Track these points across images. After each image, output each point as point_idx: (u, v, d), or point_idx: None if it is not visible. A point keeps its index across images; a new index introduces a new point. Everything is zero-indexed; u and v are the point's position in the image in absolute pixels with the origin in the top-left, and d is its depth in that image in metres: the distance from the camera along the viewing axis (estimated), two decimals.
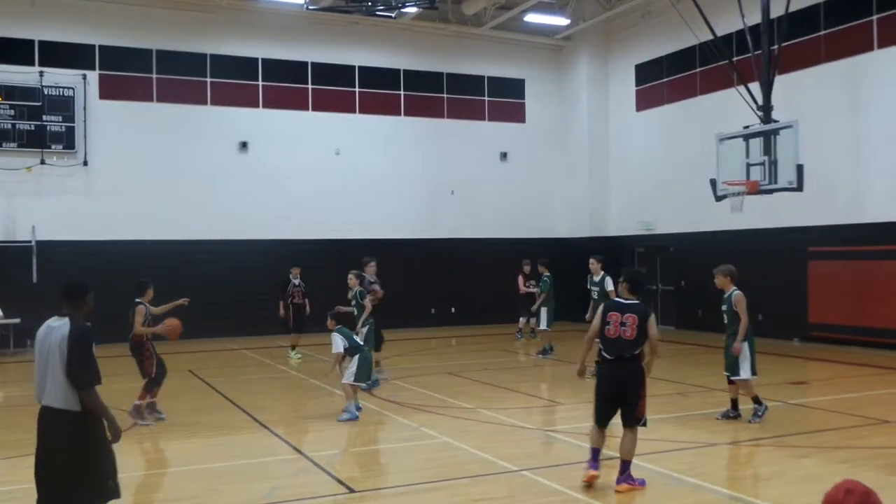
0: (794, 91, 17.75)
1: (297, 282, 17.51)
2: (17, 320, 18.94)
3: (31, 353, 17.55)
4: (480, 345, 19.55)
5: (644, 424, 7.44)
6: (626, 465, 7.30)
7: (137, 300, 10.60)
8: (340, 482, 7.56)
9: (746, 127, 15.91)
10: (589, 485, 7.26)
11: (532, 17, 23.72)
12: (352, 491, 7.29)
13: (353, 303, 13.53)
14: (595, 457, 7.37)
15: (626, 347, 7.24)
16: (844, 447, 8.73)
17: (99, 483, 5.18)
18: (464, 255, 23.97)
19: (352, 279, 13.76)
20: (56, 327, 5.21)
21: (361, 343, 11.70)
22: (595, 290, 14.03)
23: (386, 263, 22.90)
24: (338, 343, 10.75)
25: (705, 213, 19.59)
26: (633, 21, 24.06)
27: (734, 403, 10.25)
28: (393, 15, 23.02)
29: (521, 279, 20.28)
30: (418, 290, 23.02)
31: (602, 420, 7.46)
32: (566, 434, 9.65)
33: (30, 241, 19.76)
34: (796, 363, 15.92)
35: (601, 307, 7.68)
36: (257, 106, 22.56)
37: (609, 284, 13.80)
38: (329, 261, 22.53)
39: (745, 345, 9.98)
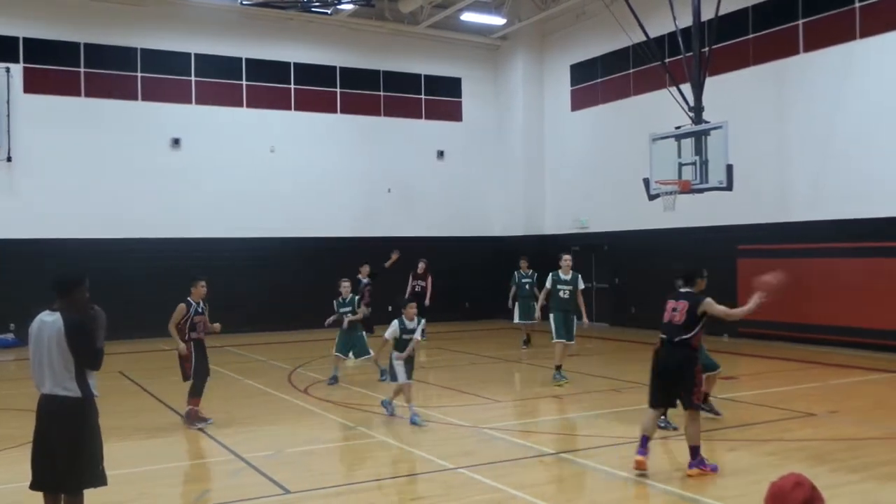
0: (723, 92, 18.15)
1: (366, 281, 16.88)
2: None
3: None
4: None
5: (698, 409, 7.73)
6: (693, 451, 7.56)
7: (188, 298, 10.34)
8: (276, 483, 7.46)
9: (678, 127, 16.24)
10: (640, 472, 7.47)
11: (468, 17, 23.79)
12: (287, 492, 7.21)
13: (350, 308, 13.47)
14: (644, 443, 7.60)
15: (675, 331, 7.67)
16: (772, 440, 8.97)
17: (93, 466, 5.50)
18: (401, 253, 23.92)
19: (346, 287, 13.60)
20: (49, 322, 5.41)
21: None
22: (567, 288, 13.20)
23: (322, 262, 22.85)
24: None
25: (639, 211, 19.92)
26: (568, 22, 24.34)
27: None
28: (329, 11, 22.86)
29: (411, 278, 19.51)
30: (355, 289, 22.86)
31: (655, 403, 7.83)
32: (502, 431, 9.70)
33: None
34: (726, 359, 16.15)
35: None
36: (190, 102, 22.13)
37: (581, 283, 13.38)
38: (264, 259, 22.33)
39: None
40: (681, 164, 15.87)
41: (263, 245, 22.40)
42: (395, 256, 18.61)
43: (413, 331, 10.22)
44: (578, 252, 24.19)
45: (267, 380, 13.99)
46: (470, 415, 10.80)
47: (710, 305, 7.73)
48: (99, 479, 5.56)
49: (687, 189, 15.70)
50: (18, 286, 18.34)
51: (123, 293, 18.85)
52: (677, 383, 7.66)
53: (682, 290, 7.99)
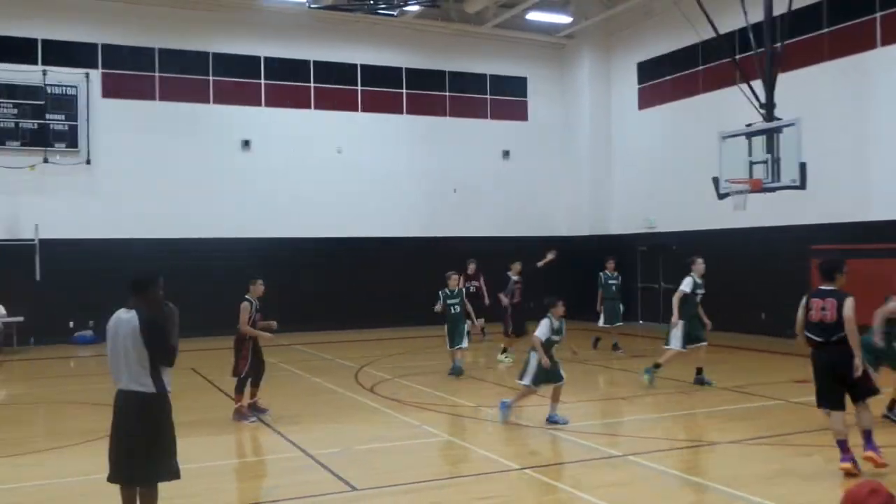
0: (796, 89, 17.68)
1: (516, 278, 16.64)
2: (21, 318, 18.99)
3: (32, 351, 17.52)
4: (483, 343, 19.48)
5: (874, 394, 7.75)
6: (866, 435, 7.63)
7: (245, 296, 10.52)
8: (343, 480, 7.55)
9: (749, 125, 15.87)
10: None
11: (534, 16, 23.68)
12: (354, 489, 7.29)
13: (458, 300, 14.29)
14: (844, 448, 7.56)
15: (830, 330, 7.53)
16: (853, 445, 8.69)
17: (166, 460, 5.67)
18: (466, 253, 23.89)
19: (454, 279, 14.47)
20: (125, 320, 5.58)
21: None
22: (701, 293, 12.79)
23: (387, 262, 23.09)
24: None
25: (708, 211, 19.54)
26: (634, 19, 24.03)
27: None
28: (395, 13, 23.04)
29: (461, 279, 17.69)
30: (420, 289, 22.96)
31: (826, 402, 7.68)
32: (568, 432, 9.64)
33: (33, 240, 19.76)
34: (799, 361, 15.77)
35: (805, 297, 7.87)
36: (260, 104, 22.57)
37: (686, 285, 12.80)
38: (331, 259, 22.63)
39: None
40: (751, 163, 15.50)
41: (330, 245, 22.70)
42: (550, 257, 17.41)
43: (560, 330, 9.97)
44: (646, 252, 23.97)
45: (333, 378, 14.17)
46: (537, 415, 10.76)
47: (848, 309, 7.49)
48: (172, 473, 5.72)
49: (758, 188, 15.33)
50: (97, 284, 18.92)
51: (195, 292, 19.29)
52: (845, 381, 7.55)
53: (825, 287, 7.74)
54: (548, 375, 9.87)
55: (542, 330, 9.80)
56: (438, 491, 7.31)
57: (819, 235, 18.08)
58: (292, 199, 22.40)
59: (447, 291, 14.31)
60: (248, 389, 10.66)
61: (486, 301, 18.59)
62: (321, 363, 16.48)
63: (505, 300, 16.42)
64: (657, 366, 12.65)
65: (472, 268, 19.22)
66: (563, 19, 24.30)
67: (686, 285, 12.69)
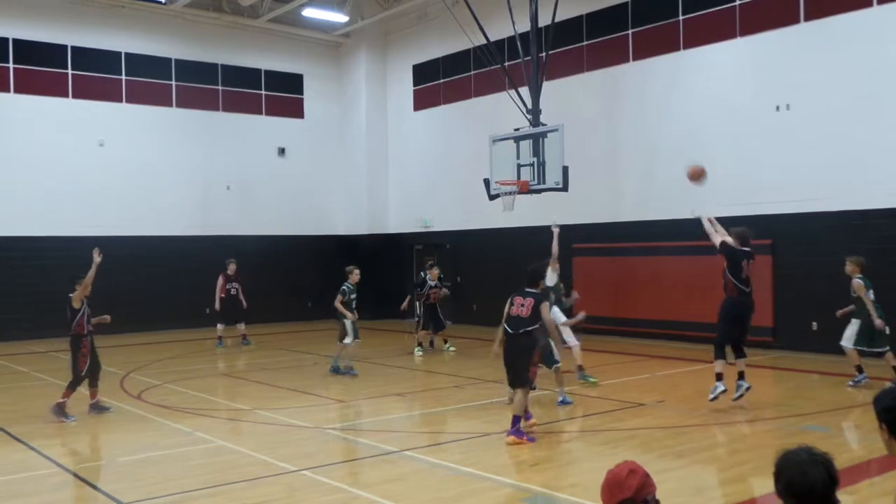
0: (560, 97, 18.79)
1: (433, 283, 16.81)
2: None
3: None
4: (259, 345, 19.06)
5: (533, 388, 9.18)
6: (515, 420, 8.74)
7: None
8: (107, 495, 7.08)
9: (517, 129, 16.67)
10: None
11: (310, 12, 23.43)
12: (120, 503, 6.85)
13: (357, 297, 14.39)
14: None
15: (521, 323, 8.83)
16: (605, 430, 9.38)
17: None
18: (241, 253, 23.23)
19: (356, 274, 14.36)
20: None
21: None
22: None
23: (156, 261, 21.93)
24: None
25: (480, 211, 20.31)
26: (410, 22, 24.50)
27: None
28: (163, 0, 21.95)
29: (221, 280, 18.52)
30: (192, 289, 22.11)
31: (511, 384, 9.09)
32: (345, 431, 9.64)
33: None
34: (562, 353, 16.82)
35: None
36: (8, 90, 20.61)
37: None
38: (89, 260, 21.06)
39: None
40: (519, 165, 16.28)
41: (91, 244, 21.04)
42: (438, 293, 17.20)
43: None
44: (421, 251, 24.52)
45: None
46: (312, 416, 10.67)
47: (545, 310, 8.95)
48: None
49: (525, 189, 16.13)
50: None
51: None
52: (514, 367, 8.93)
53: (529, 289, 9.01)
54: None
55: (559, 313, 10.93)
56: (212, 498, 7.04)
57: (579, 234, 19.36)
58: (46, 194, 20.59)
59: (350, 286, 14.17)
60: (69, 391, 10.37)
61: (245, 304, 18.61)
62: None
63: (409, 302, 17.76)
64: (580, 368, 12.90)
65: (232, 268, 18.72)
66: (340, 18, 24.27)
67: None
